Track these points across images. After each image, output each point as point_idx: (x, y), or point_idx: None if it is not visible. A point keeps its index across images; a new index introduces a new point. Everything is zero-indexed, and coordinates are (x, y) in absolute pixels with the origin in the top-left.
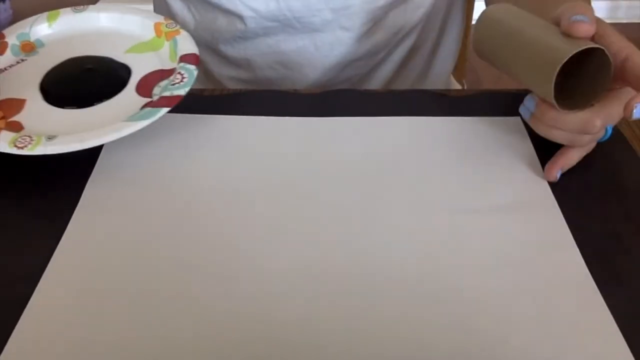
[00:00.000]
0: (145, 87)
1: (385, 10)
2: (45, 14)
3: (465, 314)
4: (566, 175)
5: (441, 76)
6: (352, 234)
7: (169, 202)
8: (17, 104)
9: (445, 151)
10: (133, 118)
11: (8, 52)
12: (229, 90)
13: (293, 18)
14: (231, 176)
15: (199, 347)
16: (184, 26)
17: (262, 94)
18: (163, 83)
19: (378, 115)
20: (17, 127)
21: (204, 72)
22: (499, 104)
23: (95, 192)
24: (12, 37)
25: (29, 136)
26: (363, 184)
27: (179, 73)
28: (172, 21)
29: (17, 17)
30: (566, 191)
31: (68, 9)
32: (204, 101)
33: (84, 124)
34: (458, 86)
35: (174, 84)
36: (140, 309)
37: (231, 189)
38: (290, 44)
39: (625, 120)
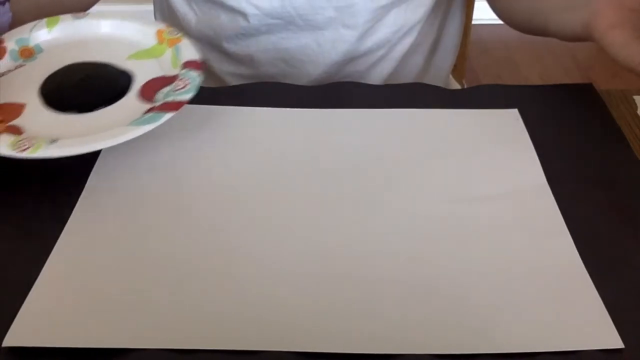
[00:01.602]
0: (147, 93)
1: (388, 9)
2: (45, 19)
3: (458, 299)
4: (562, 167)
5: (440, 74)
6: (351, 223)
7: (170, 193)
8: (16, 109)
9: (443, 142)
10: (135, 123)
11: (7, 57)
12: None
13: (296, 15)
14: (231, 167)
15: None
16: (186, 23)
17: (262, 86)
18: (166, 89)
19: (377, 108)
20: (16, 132)
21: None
22: (497, 96)
23: (97, 184)
24: (11, 42)
25: (31, 139)
26: (362, 175)
27: (182, 79)
28: (173, 28)
29: (15, 19)
30: (561, 182)
31: (68, 15)
32: (204, 93)
33: (84, 129)
34: (457, 86)
35: (177, 90)
36: (138, 309)
37: (231, 180)
38: (292, 42)
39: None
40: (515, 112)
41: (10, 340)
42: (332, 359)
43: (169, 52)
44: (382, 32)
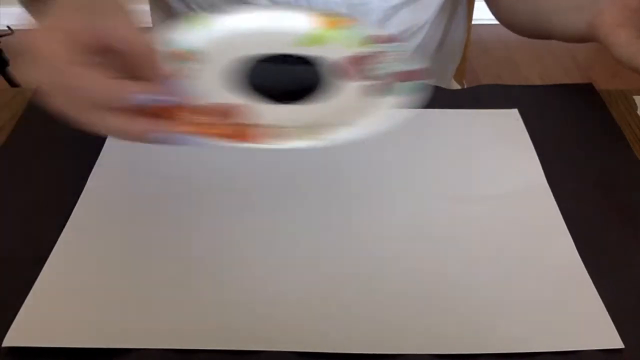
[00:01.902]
0: (348, 73)
1: (398, 9)
2: (191, 20)
3: (458, 299)
4: (562, 167)
5: (444, 76)
6: (351, 224)
7: (169, 193)
8: (230, 109)
9: (443, 142)
10: (381, 96)
11: (171, 61)
12: None
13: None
14: (231, 166)
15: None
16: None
17: None
18: (378, 65)
19: None
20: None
21: None
22: (497, 96)
23: (97, 184)
24: (168, 46)
25: (305, 130)
26: (361, 175)
27: (380, 53)
28: (334, 11)
29: None
30: (561, 182)
31: (204, 15)
32: None
33: (319, 117)
34: (458, 86)
35: (386, 62)
36: (138, 309)
37: (231, 179)
38: None
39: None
40: (515, 112)
41: (10, 340)
42: (332, 359)
43: (344, 34)
44: (390, 31)
